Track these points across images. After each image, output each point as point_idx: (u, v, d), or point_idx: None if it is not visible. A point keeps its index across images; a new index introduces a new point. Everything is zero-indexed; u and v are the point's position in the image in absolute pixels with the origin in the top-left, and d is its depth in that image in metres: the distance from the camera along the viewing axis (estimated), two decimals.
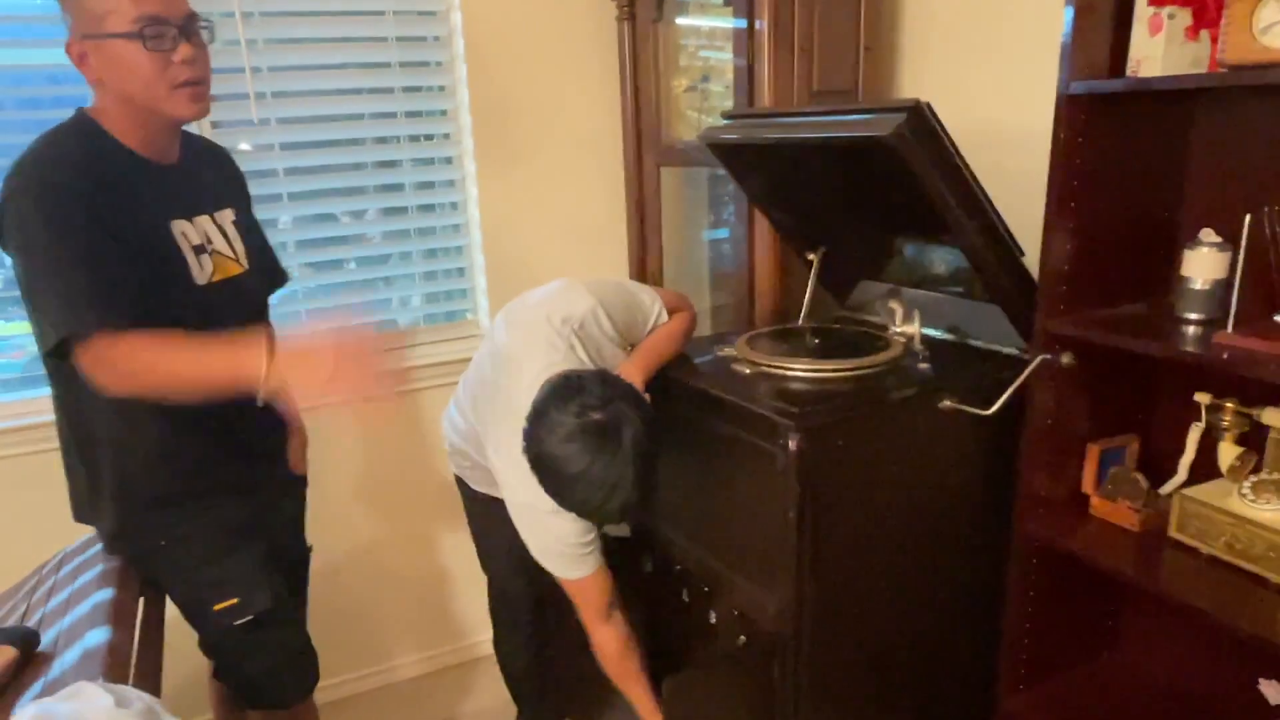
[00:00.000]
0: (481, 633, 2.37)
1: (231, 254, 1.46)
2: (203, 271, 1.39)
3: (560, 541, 1.48)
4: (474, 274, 2.33)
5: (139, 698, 1.05)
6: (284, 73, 2.01)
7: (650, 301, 1.63)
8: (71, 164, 1.26)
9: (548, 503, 1.38)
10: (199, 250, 1.39)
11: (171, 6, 1.26)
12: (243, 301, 1.48)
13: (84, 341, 1.19)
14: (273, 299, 1.68)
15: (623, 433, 1.30)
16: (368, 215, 2.21)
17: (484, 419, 1.57)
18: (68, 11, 1.27)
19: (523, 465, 1.36)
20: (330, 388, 1.11)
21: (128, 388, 1.22)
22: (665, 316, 1.64)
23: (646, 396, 1.44)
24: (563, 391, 1.32)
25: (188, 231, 1.38)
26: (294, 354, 1.14)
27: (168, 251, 1.35)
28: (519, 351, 1.49)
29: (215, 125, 1.95)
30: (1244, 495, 1.27)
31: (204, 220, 1.43)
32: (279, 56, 2.00)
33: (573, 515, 1.41)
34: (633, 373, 1.51)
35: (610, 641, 1.60)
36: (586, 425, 1.29)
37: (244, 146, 2.00)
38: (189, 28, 1.29)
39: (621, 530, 1.91)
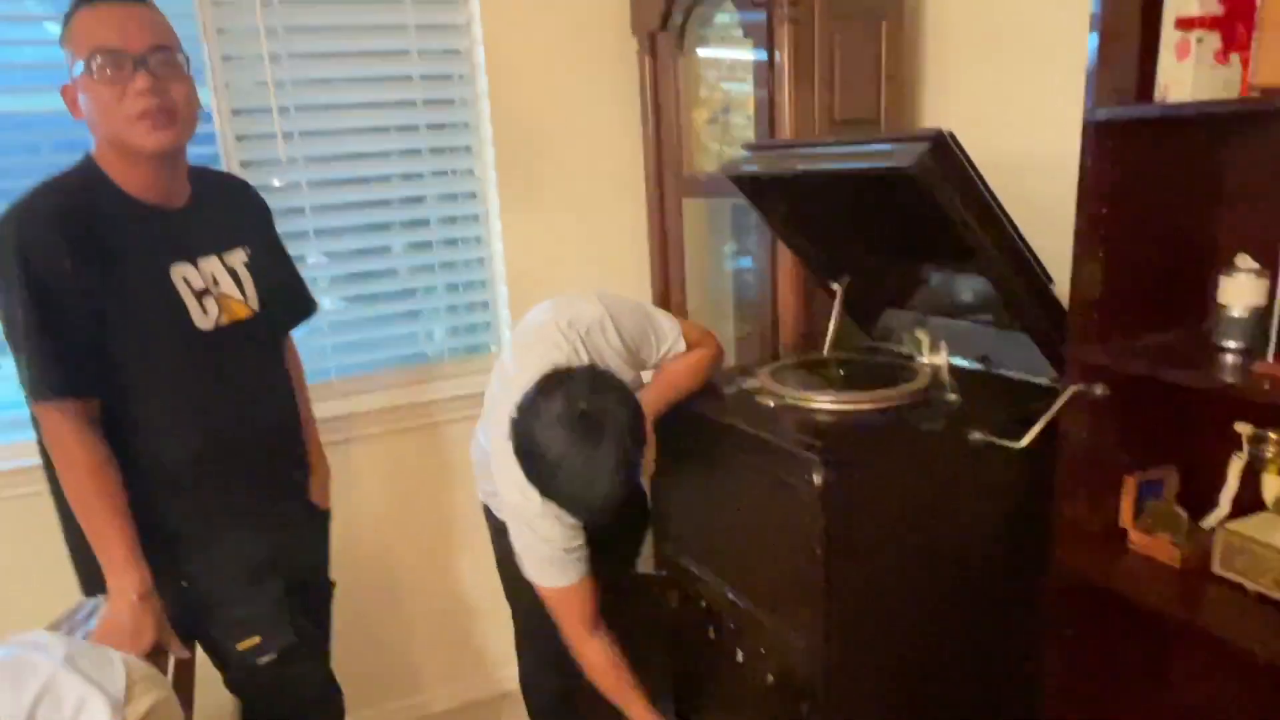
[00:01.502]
0: (508, 667, 2.34)
1: (240, 296, 1.46)
2: (206, 316, 1.39)
3: (547, 543, 1.47)
4: (497, 307, 2.34)
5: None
6: (311, 112, 2.05)
7: (670, 328, 1.61)
8: (48, 219, 1.27)
9: (535, 503, 1.39)
10: (202, 294, 1.39)
11: (127, 39, 1.26)
12: (254, 344, 1.48)
13: (42, 405, 1.30)
14: (298, 331, 1.71)
15: (606, 424, 1.30)
16: (394, 249, 2.23)
17: (489, 425, 1.57)
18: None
19: (515, 463, 1.36)
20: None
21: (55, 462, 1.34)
22: (683, 346, 1.61)
23: (650, 429, 1.43)
24: (551, 380, 1.34)
25: (190, 276, 1.38)
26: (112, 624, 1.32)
27: (167, 298, 1.36)
28: (525, 350, 1.50)
29: (245, 165, 1.99)
30: None
31: (210, 262, 1.43)
32: (307, 96, 2.04)
33: (558, 518, 1.42)
34: (645, 404, 1.50)
35: (599, 654, 1.58)
36: (570, 413, 1.30)
37: (275, 183, 2.04)
38: (148, 59, 1.27)
39: (648, 566, 1.88)
